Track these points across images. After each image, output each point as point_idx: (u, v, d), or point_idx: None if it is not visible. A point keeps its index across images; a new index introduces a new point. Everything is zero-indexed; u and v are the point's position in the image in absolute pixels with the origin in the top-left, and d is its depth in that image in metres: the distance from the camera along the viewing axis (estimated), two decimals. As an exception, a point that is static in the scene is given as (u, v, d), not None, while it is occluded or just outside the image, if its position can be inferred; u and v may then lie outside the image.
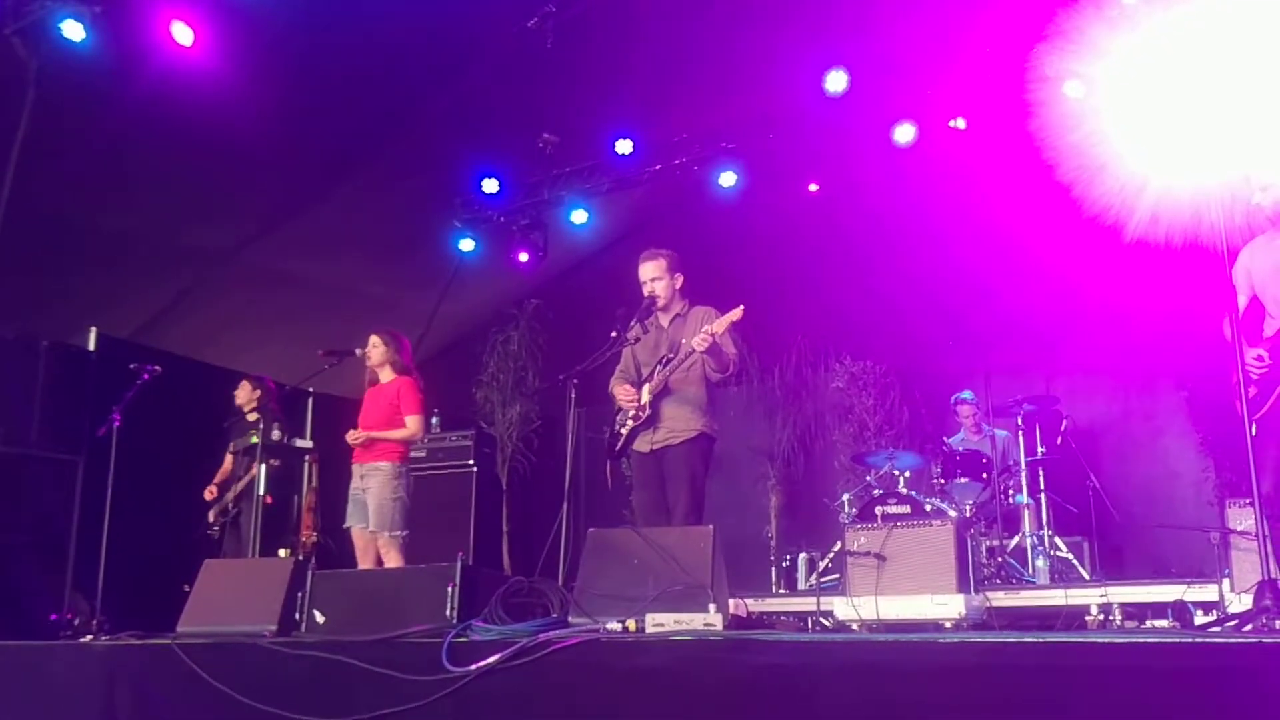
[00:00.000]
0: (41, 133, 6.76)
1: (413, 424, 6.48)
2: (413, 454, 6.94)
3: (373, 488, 6.38)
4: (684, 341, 5.29)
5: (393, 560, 6.29)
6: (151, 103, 6.96)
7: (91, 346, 8.12)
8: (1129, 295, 7.49)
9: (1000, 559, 6.96)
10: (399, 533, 6.34)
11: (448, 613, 4.22)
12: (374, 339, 6.68)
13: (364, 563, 6.43)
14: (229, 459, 7.58)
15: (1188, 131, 4.09)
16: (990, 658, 2.95)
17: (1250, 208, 4.28)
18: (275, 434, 6.98)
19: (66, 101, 6.74)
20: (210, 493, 7.54)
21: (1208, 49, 4.23)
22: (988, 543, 7.03)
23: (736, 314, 5.09)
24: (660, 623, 3.72)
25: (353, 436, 6.47)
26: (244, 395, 7.59)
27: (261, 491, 6.79)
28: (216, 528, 7.54)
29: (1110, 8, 6.02)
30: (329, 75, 7.25)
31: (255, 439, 6.86)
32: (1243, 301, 4.38)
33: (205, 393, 8.09)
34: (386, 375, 6.67)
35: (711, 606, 3.81)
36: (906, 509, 6.89)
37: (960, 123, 7.80)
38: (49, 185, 7.27)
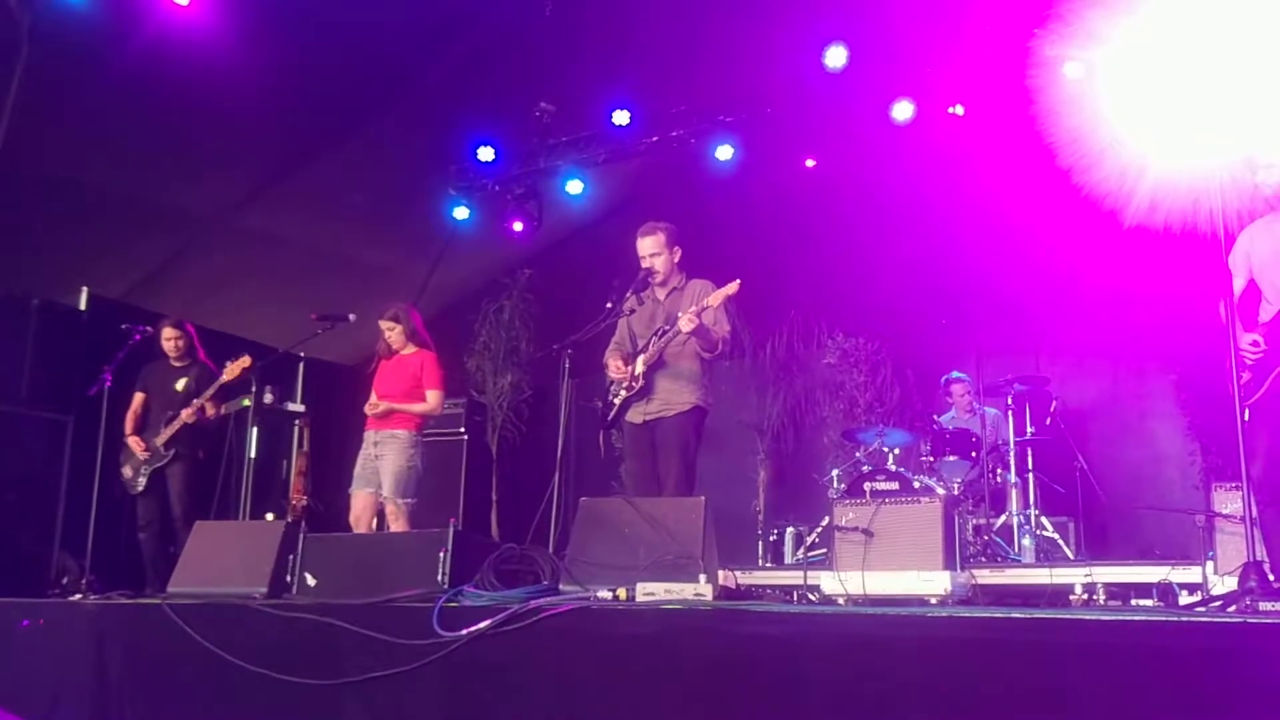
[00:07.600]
0: (35, 91, 6.70)
1: (433, 398, 6.57)
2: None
3: (389, 454, 6.42)
4: (679, 315, 5.29)
5: (400, 526, 6.31)
6: (146, 62, 6.91)
7: (83, 306, 8.11)
8: (1121, 278, 7.49)
9: (986, 537, 6.99)
10: (411, 500, 6.39)
11: (439, 578, 4.23)
12: (385, 324, 6.66)
13: (359, 528, 6.44)
14: (137, 398, 6.96)
15: (1189, 113, 4.08)
16: (978, 632, 2.97)
17: (1250, 191, 4.27)
18: (180, 384, 6.75)
19: (60, 59, 6.68)
20: (139, 445, 6.83)
21: (1209, 28, 4.21)
22: (974, 521, 7.07)
23: (732, 288, 5.10)
24: (651, 592, 3.73)
25: (372, 405, 6.49)
26: (169, 338, 7.01)
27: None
28: (141, 481, 6.82)
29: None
30: (325, 37, 7.20)
31: (247, 402, 6.78)
32: (1239, 285, 4.36)
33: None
34: (408, 349, 6.71)
35: (702, 577, 3.83)
36: (895, 486, 6.95)
37: (959, 109, 7.79)
38: (42, 144, 7.22)
